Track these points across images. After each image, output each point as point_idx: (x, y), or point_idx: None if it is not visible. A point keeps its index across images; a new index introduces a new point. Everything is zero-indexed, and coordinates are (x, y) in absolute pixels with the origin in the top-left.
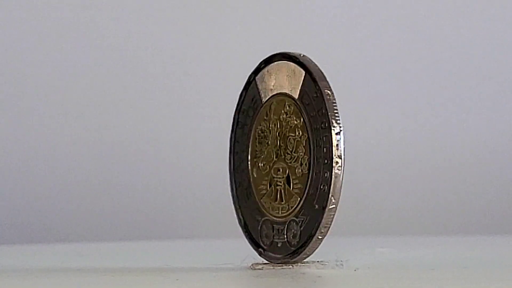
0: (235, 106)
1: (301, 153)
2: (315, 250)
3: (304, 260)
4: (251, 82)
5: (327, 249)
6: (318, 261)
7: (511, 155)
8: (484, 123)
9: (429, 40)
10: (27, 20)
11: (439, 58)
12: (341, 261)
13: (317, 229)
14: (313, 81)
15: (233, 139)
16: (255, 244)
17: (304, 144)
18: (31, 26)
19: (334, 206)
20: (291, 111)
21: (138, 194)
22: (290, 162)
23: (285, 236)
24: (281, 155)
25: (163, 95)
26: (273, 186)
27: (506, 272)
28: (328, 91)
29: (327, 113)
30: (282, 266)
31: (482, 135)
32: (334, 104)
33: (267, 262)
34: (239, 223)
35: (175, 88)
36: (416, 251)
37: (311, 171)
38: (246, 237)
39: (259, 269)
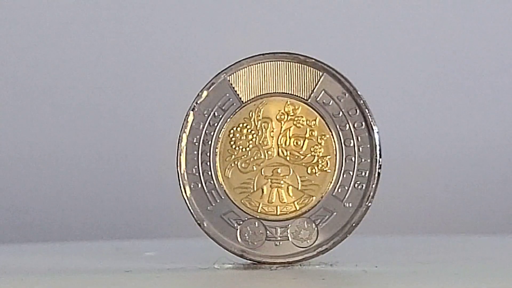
0: (190, 108)
1: (315, 153)
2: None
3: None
4: (217, 82)
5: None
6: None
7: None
8: (485, 123)
9: (425, 40)
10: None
11: (435, 57)
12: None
13: (350, 226)
14: (339, 81)
15: (184, 140)
16: (230, 245)
17: (323, 144)
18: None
19: (370, 203)
20: (298, 111)
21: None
22: (298, 162)
23: (289, 235)
24: (281, 155)
25: (161, 93)
26: (266, 186)
27: (506, 272)
28: (359, 91)
29: (365, 113)
30: (291, 265)
31: (483, 134)
32: (367, 104)
33: (254, 261)
34: (199, 225)
35: (173, 87)
36: (417, 250)
37: (338, 171)
38: (214, 239)
39: (274, 269)
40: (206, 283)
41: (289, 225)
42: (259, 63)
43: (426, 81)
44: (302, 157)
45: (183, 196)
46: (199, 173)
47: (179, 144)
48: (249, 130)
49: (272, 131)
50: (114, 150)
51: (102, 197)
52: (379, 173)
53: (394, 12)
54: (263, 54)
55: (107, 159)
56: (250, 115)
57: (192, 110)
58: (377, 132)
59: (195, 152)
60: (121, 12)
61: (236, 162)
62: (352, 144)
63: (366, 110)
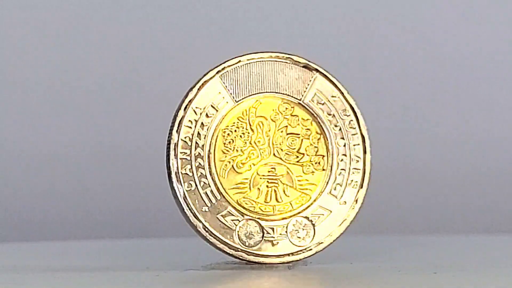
0: (179, 106)
1: (310, 152)
2: None
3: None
4: (208, 80)
5: None
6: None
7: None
8: (485, 122)
9: (415, 41)
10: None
11: (427, 57)
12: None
13: (346, 224)
14: (330, 82)
15: (175, 139)
16: (228, 246)
17: (317, 144)
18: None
19: (363, 201)
20: (292, 111)
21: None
22: (293, 161)
23: (287, 235)
24: (276, 154)
25: (150, 91)
26: (262, 186)
27: (506, 272)
28: (349, 93)
29: (357, 113)
30: (290, 264)
31: (478, 132)
32: (357, 104)
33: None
34: (194, 228)
35: (162, 85)
36: (415, 250)
37: (333, 170)
38: (211, 241)
39: (273, 269)
40: (204, 284)
41: (287, 225)
42: (253, 62)
43: (422, 80)
44: (297, 156)
45: (176, 196)
46: (193, 173)
47: (171, 143)
48: (244, 129)
49: (268, 131)
50: (107, 147)
51: (97, 197)
52: (371, 172)
53: (385, 14)
54: (256, 53)
55: (100, 158)
56: (245, 114)
57: (184, 108)
58: (368, 132)
59: (188, 151)
60: (114, 11)
61: (231, 162)
62: (345, 144)
63: (357, 110)
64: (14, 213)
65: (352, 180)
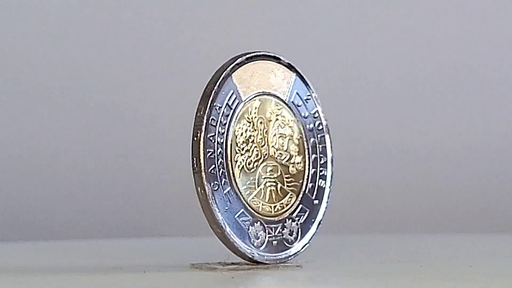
0: (203, 104)
1: (293, 152)
2: None
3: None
4: (225, 78)
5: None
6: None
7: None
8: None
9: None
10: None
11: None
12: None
13: (319, 223)
14: (306, 84)
15: (202, 138)
16: (241, 247)
17: (297, 143)
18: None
19: (328, 200)
20: (281, 111)
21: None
22: (283, 161)
23: (282, 234)
24: (272, 154)
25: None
26: (263, 185)
27: (506, 272)
28: (315, 94)
29: (322, 114)
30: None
31: (482, 133)
32: (320, 106)
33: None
34: (217, 227)
35: (173, 87)
36: (413, 249)
37: (308, 169)
38: (229, 241)
39: (275, 268)
40: (208, 285)
41: (281, 224)
42: (256, 61)
43: (417, 79)
44: (285, 156)
45: (205, 196)
46: (217, 172)
47: (200, 142)
48: (250, 129)
49: (266, 131)
50: (106, 148)
51: (107, 198)
52: (333, 170)
53: (370, 17)
54: (256, 52)
55: (110, 158)
56: (250, 113)
57: (209, 107)
58: (330, 133)
59: (212, 150)
60: (125, 11)
61: (243, 162)
62: (315, 144)
63: (322, 112)
64: (14, 213)
65: (320, 180)
